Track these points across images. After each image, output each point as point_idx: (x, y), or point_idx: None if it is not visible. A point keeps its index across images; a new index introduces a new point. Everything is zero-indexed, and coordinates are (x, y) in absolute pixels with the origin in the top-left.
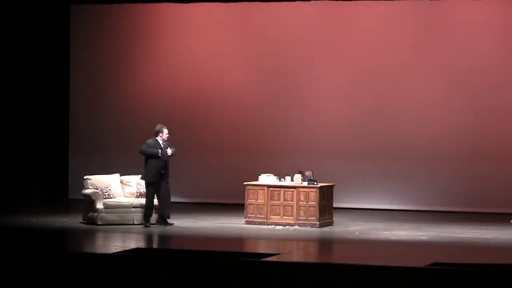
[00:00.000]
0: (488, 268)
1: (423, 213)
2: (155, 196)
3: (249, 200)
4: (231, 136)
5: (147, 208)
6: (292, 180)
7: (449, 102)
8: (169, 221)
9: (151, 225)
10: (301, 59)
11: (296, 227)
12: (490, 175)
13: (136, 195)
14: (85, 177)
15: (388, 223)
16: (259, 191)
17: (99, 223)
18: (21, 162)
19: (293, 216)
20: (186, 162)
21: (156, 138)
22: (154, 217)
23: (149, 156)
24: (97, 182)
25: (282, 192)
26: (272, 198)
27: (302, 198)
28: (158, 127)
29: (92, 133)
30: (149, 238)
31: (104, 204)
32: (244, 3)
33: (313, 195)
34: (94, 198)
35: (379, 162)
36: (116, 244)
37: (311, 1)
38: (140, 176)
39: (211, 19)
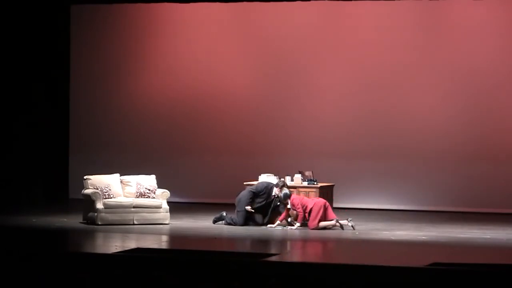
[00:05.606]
0: (488, 268)
1: (423, 213)
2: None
3: None
4: (231, 136)
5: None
6: (292, 180)
7: (449, 101)
8: None
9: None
10: (300, 59)
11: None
12: (490, 175)
13: (136, 195)
14: (85, 177)
15: (388, 223)
16: None
17: (99, 223)
18: (21, 162)
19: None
20: (186, 162)
21: (274, 188)
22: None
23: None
24: (97, 182)
25: None
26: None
27: None
28: (282, 182)
29: (92, 133)
30: (149, 238)
31: (104, 204)
32: (244, 3)
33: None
34: (94, 198)
35: (379, 162)
36: (116, 244)
37: (311, 2)
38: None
39: (211, 19)
